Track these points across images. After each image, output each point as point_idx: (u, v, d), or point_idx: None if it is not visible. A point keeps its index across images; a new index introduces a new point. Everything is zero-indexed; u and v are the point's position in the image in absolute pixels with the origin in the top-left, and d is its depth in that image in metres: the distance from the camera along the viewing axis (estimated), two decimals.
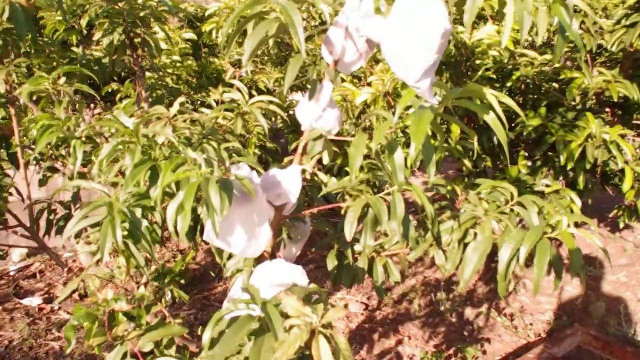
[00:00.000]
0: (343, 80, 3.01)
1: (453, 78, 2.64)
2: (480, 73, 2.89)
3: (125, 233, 1.39)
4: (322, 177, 1.74)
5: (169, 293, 2.19)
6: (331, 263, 1.74)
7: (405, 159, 1.74)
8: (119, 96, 3.02)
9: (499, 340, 3.14)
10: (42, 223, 2.30)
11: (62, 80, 1.57)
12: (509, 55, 3.11)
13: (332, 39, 1.23)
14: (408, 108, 1.73)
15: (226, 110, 1.92)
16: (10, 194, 1.91)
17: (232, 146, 1.51)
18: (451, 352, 3.04)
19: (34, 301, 3.76)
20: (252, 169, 1.53)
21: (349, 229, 1.25)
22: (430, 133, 1.05)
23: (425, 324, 3.33)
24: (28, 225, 2.23)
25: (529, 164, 2.94)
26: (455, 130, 2.57)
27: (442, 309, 3.52)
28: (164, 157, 1.33)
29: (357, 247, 1.72)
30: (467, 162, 2.38)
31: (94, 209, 1.35)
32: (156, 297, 2.09)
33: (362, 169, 1.85)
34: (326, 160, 1.35)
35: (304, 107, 1.31)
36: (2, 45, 1.67)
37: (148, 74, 3.61)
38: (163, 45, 3.15)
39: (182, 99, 1.56)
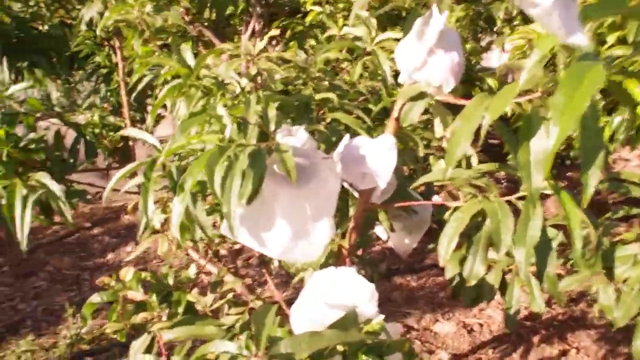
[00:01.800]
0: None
1: None
2: None
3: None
4: None
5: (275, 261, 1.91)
6: (451, 269, 1.25)
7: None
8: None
9: None
10: None
11: (149, 7, 1.30)
12: None
13: None
14: None
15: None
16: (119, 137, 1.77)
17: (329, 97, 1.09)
18: None
19: None
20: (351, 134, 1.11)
21: (445, 247, 0.77)
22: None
23: (602, 337, 2.59)
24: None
25: None
26: None
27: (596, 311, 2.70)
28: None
29: (493, 255, 1.20)
30: None
31: (140, 166, 1.07)
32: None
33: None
34: (439, 132, 0.87)
35: (403, 48, 0.83)
36: None
37: None
38: None
39: (275, 32, 1.17)
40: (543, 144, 0.65)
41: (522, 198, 0.81)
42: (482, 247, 0.80)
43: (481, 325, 2.72)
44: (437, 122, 0.86)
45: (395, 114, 0.87)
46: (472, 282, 0.81)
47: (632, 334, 2.54)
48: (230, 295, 1.42)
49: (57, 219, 1.42)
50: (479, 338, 2.62)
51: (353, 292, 0.88)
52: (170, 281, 1.14)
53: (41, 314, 2.96)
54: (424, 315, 2.84)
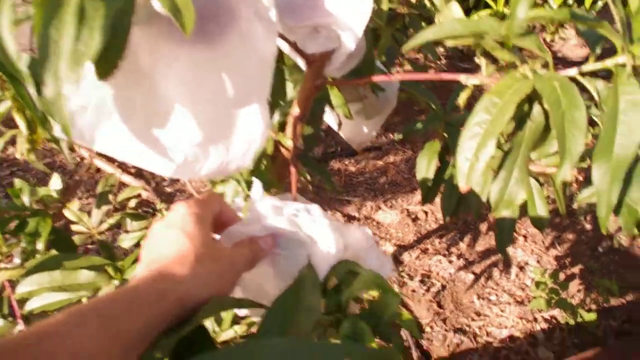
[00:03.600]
0: None
1: None
2: None
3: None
4: None
5: None
6: (424, 167, 0.93)
7: None
8: None
9: None
10: None
11: None
12: None
13: None
14: None
15: None
16: None
17: None
18: (576, 270, 2.23)
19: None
20: None
21: (467, 160, 0.42)
22: None
23: (549, 224, 2.48)
24: None
25: None
26: None
27: (575, 205, 2.61)
28: None
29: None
30: None
31: None
32: None
33: None
34: None
35: None
36: None
37: None
38: None
39: None
40: None
41: (592, 74, 0.46)
42: (522, 156, 0.46)
43: (426, 213, 2.53)
44: None
45: None
46: (501, 213, 0.48)
47: (577, 221, 2.43)
48: (132, 203, 1.05)
49: None
50: (425, 227, 2.44)
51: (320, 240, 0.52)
52: (26, 201, 0.74)
53: None
54: (365, 203, 2.61)
